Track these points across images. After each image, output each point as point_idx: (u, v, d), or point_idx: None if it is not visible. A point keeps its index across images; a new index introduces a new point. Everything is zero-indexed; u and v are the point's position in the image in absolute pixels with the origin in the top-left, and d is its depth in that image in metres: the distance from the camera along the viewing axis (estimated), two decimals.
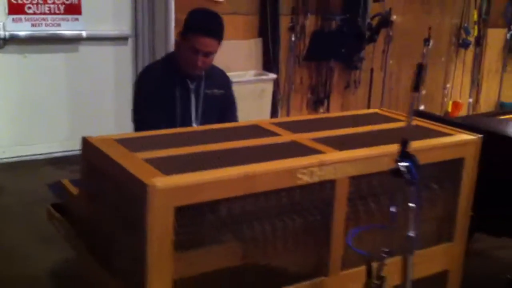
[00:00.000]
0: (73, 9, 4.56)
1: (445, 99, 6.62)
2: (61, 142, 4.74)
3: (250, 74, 5.03)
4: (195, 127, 2.62)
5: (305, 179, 1.65)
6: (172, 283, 1.49)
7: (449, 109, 6.53)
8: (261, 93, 4.92)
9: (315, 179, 1.67)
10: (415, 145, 1.88)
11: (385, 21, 5.28)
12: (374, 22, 5.28)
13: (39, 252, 3.12)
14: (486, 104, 6.87)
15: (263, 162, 1.61)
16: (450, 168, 2.02)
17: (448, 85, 6.59)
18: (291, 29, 5.21)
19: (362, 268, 1.74)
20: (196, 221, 1.50)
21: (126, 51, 4.94)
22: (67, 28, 4.55)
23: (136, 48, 4.94)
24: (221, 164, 1.58)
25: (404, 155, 1.48)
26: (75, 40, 4.66)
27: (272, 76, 5.03)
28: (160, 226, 1.42)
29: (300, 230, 1.71)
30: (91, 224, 1.77)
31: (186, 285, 1.53)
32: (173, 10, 4.71)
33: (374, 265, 1.63)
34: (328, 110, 5.57)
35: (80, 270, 1.91)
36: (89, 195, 1.78)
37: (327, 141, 1.86)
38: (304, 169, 1.63)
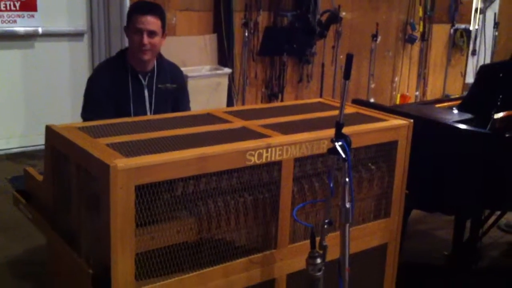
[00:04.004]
0: (29, 6, 4.60)
1: (394, 92, 6.93)
2: (19, 137, 4.79)
3: (205, 69, 5.17)
4: (151, 115, 2.75)
5: (254, 160, 1.82)
6: (134, 257, 1.64)
7: (398, 102, 6.84)
8: (216, 87, 5.08)
9: (263, 160, 1.84)
10: (354, 129, 2.09)
11: (335, 18, 5.51)
12: (324, 18, 5.50)
13: (1, 241, 3.20)
14: (432, 96, 7.21)
15: (215, 145, 1.77)
16: (386, 150, 2.23)
17: (396, 79, 6.90)
18: (245, 25, 5.37)
19: (308, 241, 1.93)
20: (156, 199, 1.65)
21: (82, 47, 5.02)
22: (23, 24, 4.59)
23: (92, 44, 5.01)
24: (176, 147, 1.74)
25: (338, 135, 1.67)
26: (31, 37, 4.71)
27: (227, 70, 5.19)
28: (122, 204, 1.56)
29: (250, 207, 1.88)
30: (57, 207, 1.90)
31: (146, 258, 1.68)
32: (128, 6, 4.79)
33: (318, 237, 1.81)
34: None
35: (49, 253, 2.03)
36: (54, 179, 1.90)
37: (274, 127, 2.04)
38: (252, 151, 1.80)
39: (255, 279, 1.92)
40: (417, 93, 7.01)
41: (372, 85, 6.50)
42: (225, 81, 5.17)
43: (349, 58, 1.62)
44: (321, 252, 1.82)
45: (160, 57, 2.93)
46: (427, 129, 2.42)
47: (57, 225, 1.89)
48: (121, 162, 1.55)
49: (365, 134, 2.12)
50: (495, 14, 7.34)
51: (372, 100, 6.55)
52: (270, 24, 5.58)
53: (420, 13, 6.79)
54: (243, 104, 5.44)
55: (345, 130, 1.81)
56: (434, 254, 3.27)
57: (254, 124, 2.07)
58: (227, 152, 1.75)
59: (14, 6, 4.51)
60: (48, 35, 4.79)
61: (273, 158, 1.86)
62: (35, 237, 3.00)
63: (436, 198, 2.52)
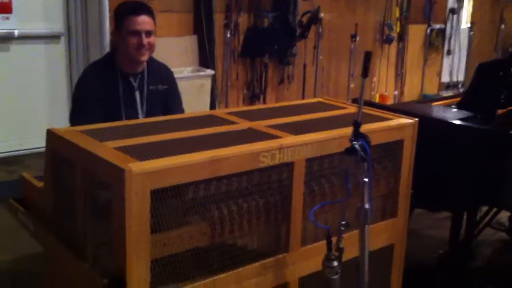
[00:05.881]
0: (4, 8, 4.45)
1: (372, 92, 6.95)
2: None
3: (188, 71, 5.09)
4: (156, 117, 2.66)
5: (267, 161, 1.77)
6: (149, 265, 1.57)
7: (377, 102, 6.87)
8: (199, 89, 5.00)
9: (276, 161, 1.79)
10: (362, 128, 2.05)
11: (315, 18, 5.49)
12: (305, 19, 5.47)
13: None
14: (410, 96, 7.26)
15: (228, 147, 1.71)
16: (392, 149, 2.20)
17: (374, 79, 6.92)
18: (226, 26, 5.31)
19: (320, 243, 1.89)
20: (169, 204, 1.58)
21: (59, 49, 4.87)
22: None
23: (69, 46, 4.88)
24: (188, 149, 1.67)
25: (357, 135, 1.63)
26: (7, 39, 4.54)
27: (210, 72, 5.12)
28: (137, 210, 1.49)
29: (262, 210, 1.83)
30: (59, 214, 1.81)
31: (160, 265, 1.61)
32: (107, 7, 4.68)
33: (333, 238, 1.77)
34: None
35: (49, 263, 1.93)
36: (56, 186, 1.81)
37: (282, 127, 1.99)
38: (266, 152, 1.75)
39: (268, 284, 1.87)
40: (395, 92, 7.06)
41: (352, 85, 6.50)
42: (208, 83, 5.10)
43: (367, 56, 1.59)
44: (337, 254, 1.78)
45: (150, 58, 2.85)
46: (431, 127, 2.41)
47: (59, 234, 1.80)
48: (136, 166, 1.48)
49: (372, 134, 2.08)
50: (470, 14, 7.45)
51: (351, 100, 6.55)
52: (251, 25, 5.53)
53: (397, 14, 6.83)
54: (226, 106, 5.38)
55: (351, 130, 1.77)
56: (428, 253, 3.26)
57: (260, 125, 2.01)
58: (242, 153, 1.70)
59: None
60: (24, 38, 4.63)
61: (285, 159, 1.81)
62: (21, 247, 2.89)
63: (441, 196, 2.51)
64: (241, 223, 1.78)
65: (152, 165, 1.52)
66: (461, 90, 7.68)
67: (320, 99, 2.58)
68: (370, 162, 1.62)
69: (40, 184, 1.92)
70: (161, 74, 2.91)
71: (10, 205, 1.98)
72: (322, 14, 5.88)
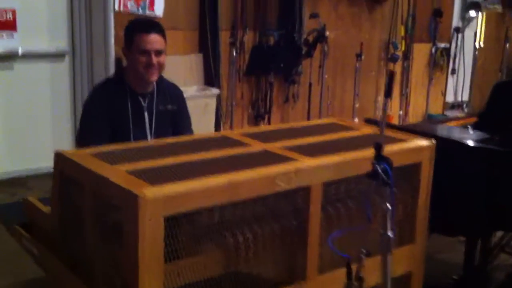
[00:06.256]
0: (8, 26, 4.41)
1: (377, 112, 6.89)
2: None
3: (193, 89, 5.03)
4: (167, 139, 2.60)
5: (283, 185, 1.70)
6: None
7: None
8: (204, 109, 4.94)
9: (292, 185, 1.72)
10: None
11: (321, 37, 5.45)
12: (311, 38, 5.43)
13: None
14: (415, 116, 7.19)
15: (243, 170, 1.64)
16: (409, 172, 2.13)
17: (379, 98, 6.86)
18: (232, 44, 5.27)
19: (338, 271, 1.81)
20: (183, 231, 1.51)
21: (63, 68, 4.82)
22: (2, 45, 4.38)
23: (73, 65, 4.84)
24: (202, 173, 1.60)
25: (380, 158, 1.56)
26: (10, 57, 4.50)
27: (216, 91, 5.06)
28: (150, 237, 1.41)
29: (277, 236, 1.75)
30: (68, 239, 1.73)
31: None
32: (112, 26, 4.64)
33: (353, 267, 1.69)
34: (269, 124, 5.66)
35: None
36: (64, 209, 1.74)
37: (297, 149, 1.92)
38: (283, 175, 1.68)
39: None
40: (400, 112, 6.99)
41: (356, 105, 6.44)
42: (213, 102, 5.04)
43: (391, 76, 1.53)
44: (356, 284, 1.70)
45: (160, 77, 2.79)
46: (446, 149, 2.33)
47: (65, 259, 1.73)
48: (150, 192, 1.41)
49: (390, 156, 2.01)
50: (475, 33, 7.42)
51: (356, 119, 6.49)
52: (256, 43, 5.49)
53: (402, 32, 6.80)
54: (230, 125, 5.31)
55: (369, 152, 1.70)
56: (442, 277, 3.16)
57: (275, 147, 1.94)
58: (258, 177, 1.63)
59: None
60: (28, 56, 4.58)
61: (301, 183, 1.74)
62: (20, 272, 2.80)
63: (456, 221, 2.44)
64: (256, 250, 1.70)
65: (167, 190, 1.45)
66: (466, 110, 7.63)
67: (333, 120, 2.51)
68: (393, 187, 1.55)
69: (45, 207, 1.84)
70: (170, 93, 2.85)
71: (14, 230, 1.91)
72: (327, 33, 5.85)
